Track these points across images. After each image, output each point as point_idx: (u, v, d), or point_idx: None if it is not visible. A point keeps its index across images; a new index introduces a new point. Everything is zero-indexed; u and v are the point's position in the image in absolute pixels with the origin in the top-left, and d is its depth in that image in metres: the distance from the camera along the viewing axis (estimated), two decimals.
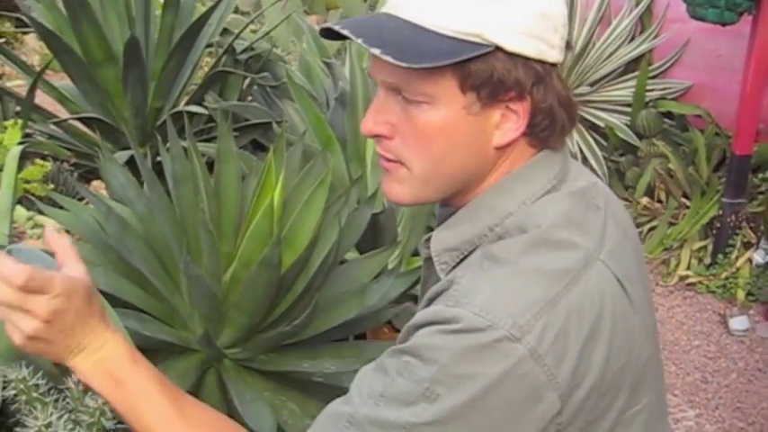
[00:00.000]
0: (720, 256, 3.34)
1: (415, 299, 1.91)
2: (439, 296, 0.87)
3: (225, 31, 3.14)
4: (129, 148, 2.47)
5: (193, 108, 2.63)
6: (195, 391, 1.62)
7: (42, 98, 2.78)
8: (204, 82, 2.83)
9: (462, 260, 0.92)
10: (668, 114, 3.85)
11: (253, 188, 1.74)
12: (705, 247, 3.42)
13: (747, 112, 3.23)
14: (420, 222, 2.29)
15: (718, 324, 3.11)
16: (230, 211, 1.79)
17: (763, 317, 3.12)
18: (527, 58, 0.85)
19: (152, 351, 1.53)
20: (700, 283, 3.32)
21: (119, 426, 0.99)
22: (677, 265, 3.40)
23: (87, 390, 0.98)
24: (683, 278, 3.35)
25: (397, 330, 2.13)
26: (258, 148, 2.80)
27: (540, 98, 0.87)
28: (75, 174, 2.61)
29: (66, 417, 0.98)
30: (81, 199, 2.12)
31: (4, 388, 1.00)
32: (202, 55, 2.91)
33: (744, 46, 3.19)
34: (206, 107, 2.72)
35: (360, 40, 0.84)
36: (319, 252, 1.72)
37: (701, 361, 2.91)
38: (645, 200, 3.66)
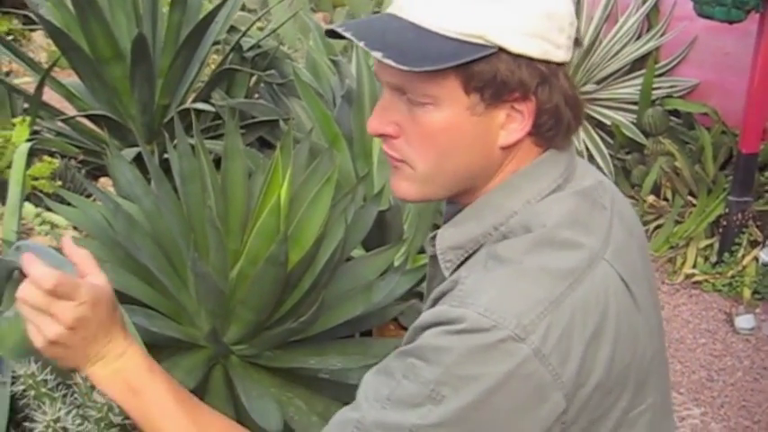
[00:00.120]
0: (726, 254, 3.33)
1: (421, 296, 1.92)
2: (444, 296, 0.88)
3: (232, 29, 3.14)
4: (136, 146, 2.48)
5: (200, 105, 2.64)
6: (202, 388, 1.63)
7: (50, 95, 2.78)
8: (211, 79, 2.83)
9: (467, 259, 0.92)
10: (675, 112, 3.84)
11: (260, 185, 1.74)
12: (711, 246, 3.41)
13: (754, 111, 3.22)
14: (426, 220, 2.29)
15: (724, 322, 3.11)
16: (237, 208, 1.79)
17: None
18: (531, 59, 0.84)
19: (159, 347, 1.55)
20: (706, 281, 3.31)
21: (126, 421, 1.00)
22: (683, 264, 3.39)
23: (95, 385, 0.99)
24: (688, 276, 3.35)
25: (403, 327, 2.14)
26: (265, 145, 2.80)
27: (546, 98, 0.86)
28: (83, 171, 2.62)
29: (74, 412, 0.99)
30: (89, 196, 2.13)
31: (13, 383, 1.01)
32: (209, 52, 2.92)
33: (751, 44, 3.17)
34: (213, 104, 2.72)
35: (362, 44, 0.84)
36: (326, 249, 1.72)
37: (706, 359, 2.90)
38: (651, 198, 3.65)
